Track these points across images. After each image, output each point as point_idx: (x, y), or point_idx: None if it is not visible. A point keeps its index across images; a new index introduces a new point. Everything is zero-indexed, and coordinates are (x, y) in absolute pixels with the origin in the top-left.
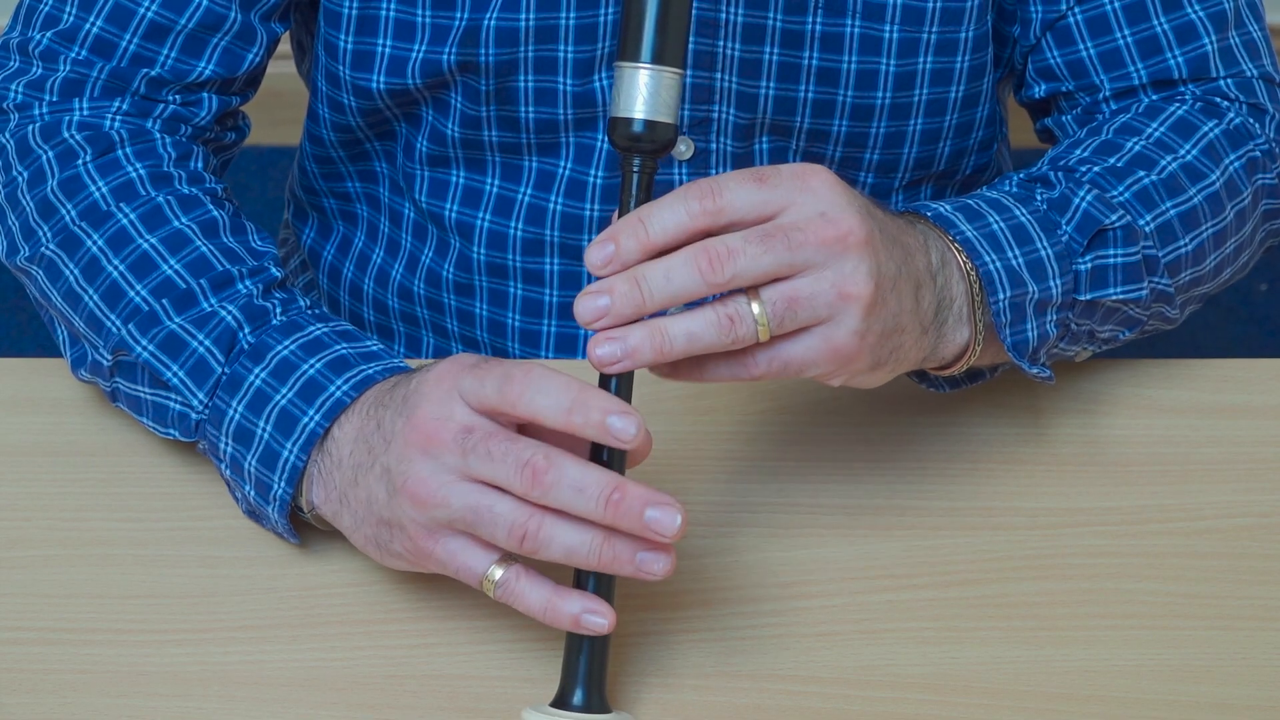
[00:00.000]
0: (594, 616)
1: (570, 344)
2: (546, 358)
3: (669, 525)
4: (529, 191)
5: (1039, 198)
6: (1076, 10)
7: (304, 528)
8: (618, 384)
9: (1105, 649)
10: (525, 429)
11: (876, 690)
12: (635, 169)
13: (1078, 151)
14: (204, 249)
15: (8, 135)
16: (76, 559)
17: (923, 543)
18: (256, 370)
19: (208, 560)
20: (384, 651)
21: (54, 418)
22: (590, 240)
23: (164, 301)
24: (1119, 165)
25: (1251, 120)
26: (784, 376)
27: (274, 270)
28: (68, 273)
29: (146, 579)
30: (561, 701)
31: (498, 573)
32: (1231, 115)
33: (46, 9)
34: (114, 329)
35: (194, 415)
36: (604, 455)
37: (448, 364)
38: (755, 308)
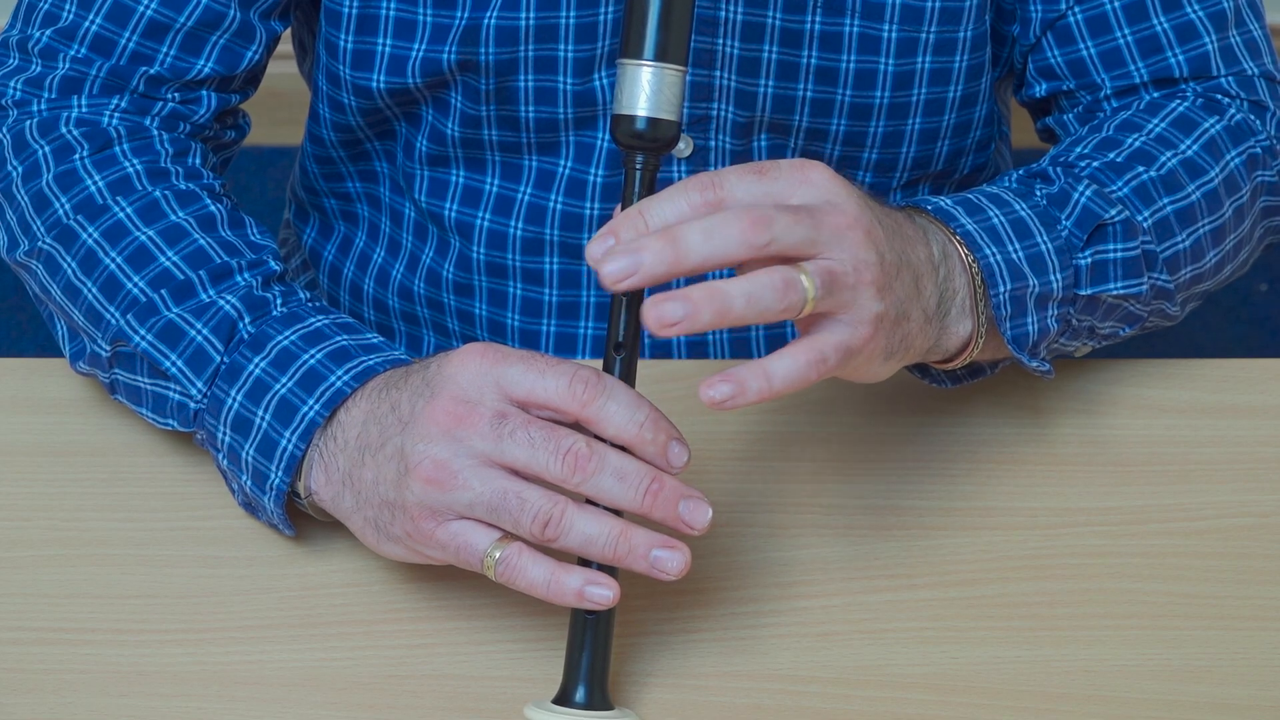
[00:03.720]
0: (598, 589)
1: (570, 343)
2: None
3: (700, 517)
4: (529, 191)
5: (1038, 193)
6: (1076, 10)
7: (300, 519)
8: (621, 374)
9: (1105, 649)
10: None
11: (876, 690)
12: (638, 166)
13: (1078, 148)
14: (202, 242)
15: (4, 131)
16: (76, 559)
17: (923, 543)
18: (256, 360)
19: (208, 560)
20: (384, 651)
21: (54, 418)
22: (590, 238)
23: (162, 292)
24: (1118, 161)
25: (1252, 117)
26: (839, 369)
27: (273, 264)
28: (65, 266)
29: (146, 579)
30: (564, 699)
31: (499, 551)
32: (1233, 111)
33: (46, 7)
34: (112, 320)
35: (192, 405)
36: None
37: (476, 350)
38: (804, 279)
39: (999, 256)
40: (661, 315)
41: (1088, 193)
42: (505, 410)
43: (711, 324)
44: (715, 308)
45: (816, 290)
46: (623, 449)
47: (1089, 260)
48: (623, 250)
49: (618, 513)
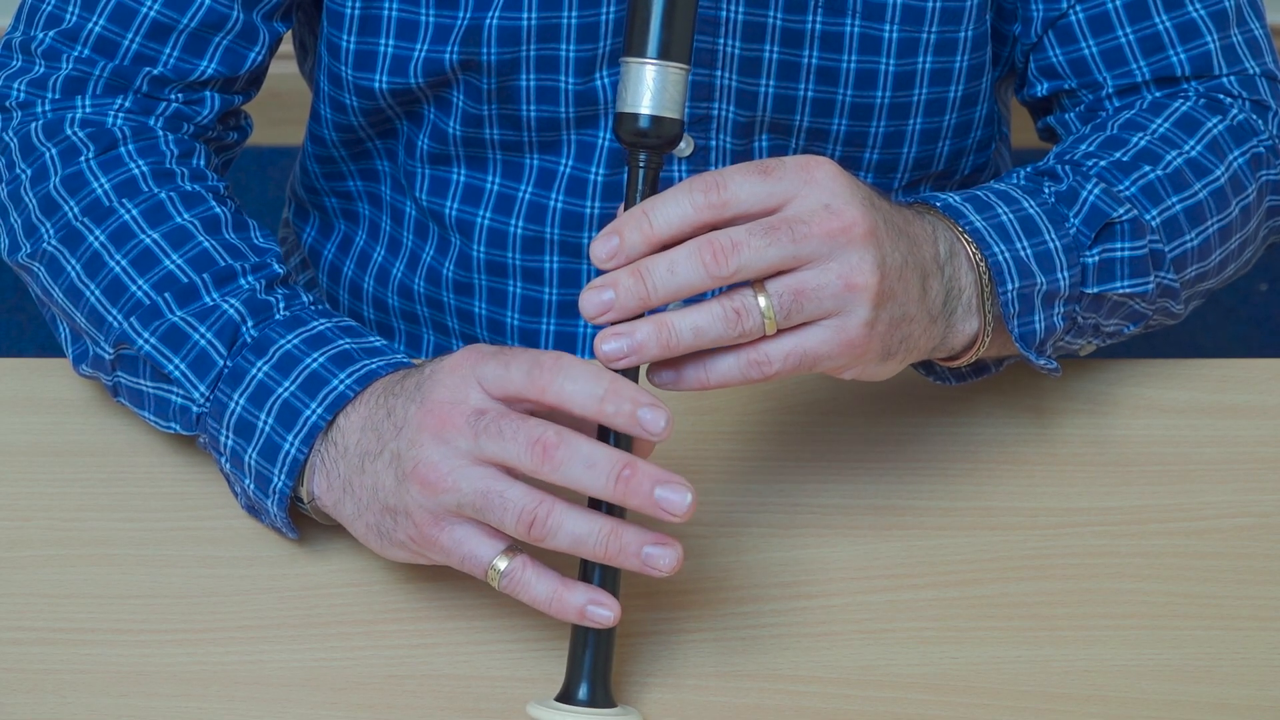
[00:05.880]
0: (599, 609)
1: (570, 342)
2: None
3: (679, 503)
4: (529, 189)
5: (1047, 190)
6: (1078, 8)
7: (302, 522)
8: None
9: (1105, 649)
10: (548, 417)
11: (876, 690)
12: (641, 164)
13: (1083, 146)
14: (206, 244)
15: (10, 133)
16: (76, 559)
17: (923, 543)
18: (259, 363)
19: (208, 560)
20: (384, 651)
21: (54, 418)
22: (591, 237)
23: (166, 295)
24: (1125, 160)
25: (1255, 116)
26: (798, 372)
27: (276, 266)
28: (69, 269)
29: (146, 579)
30: (567, 696)
31: (503, 563)
32: (1235, 111)
33: (49, 9)
34: (115, 323)
35: (195, 408)
36: (610, 440)
37: (464, 352)
38: (761, 301)
39: (1007, 254)
40: (607, 353)
41: (1096, 191)
42: (484, 407)
43: (660, 356)
44: (661, 342)
45: (777, 312)
46: (616, 438)
47: (1096, 259)
48: (599, 285)
49: (621, 513)
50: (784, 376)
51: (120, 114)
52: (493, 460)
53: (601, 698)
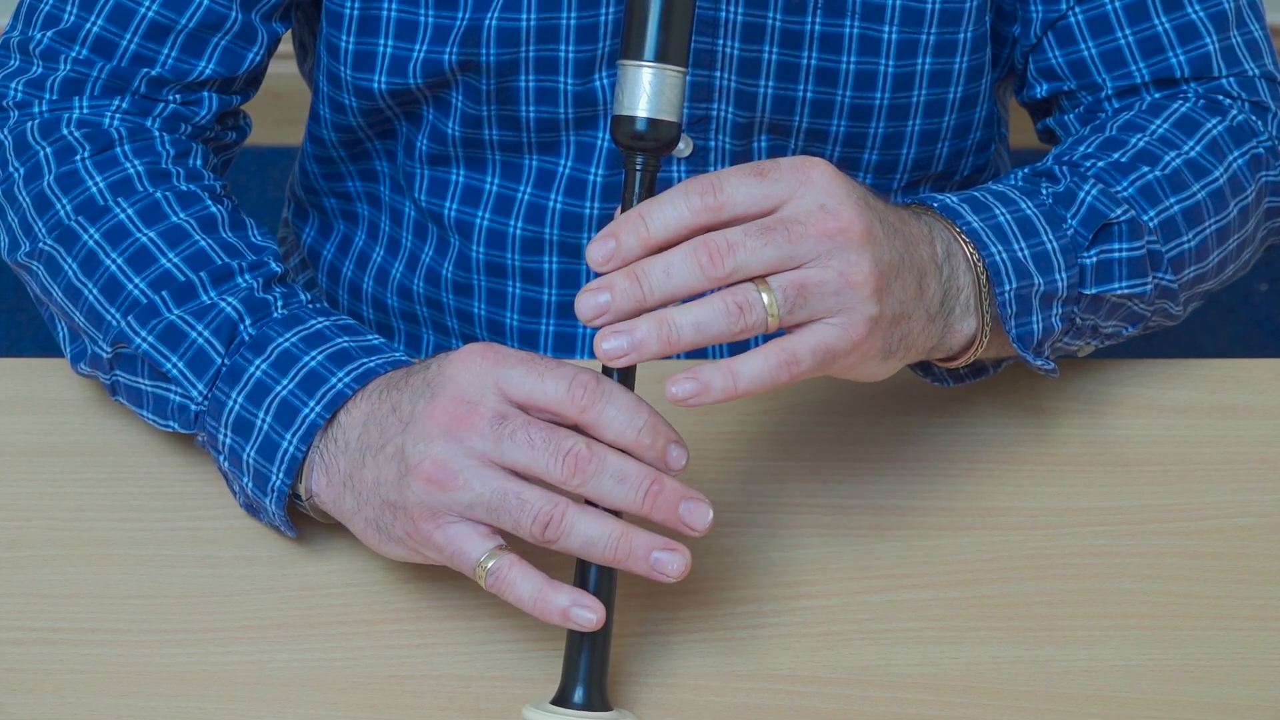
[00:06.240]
0: (583, 611)
1: (569, 343)
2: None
3: (701, 519)
4: (529, 190)
5: (1044, 191)
6: (1077, 10)
7: (301, 521)
8: (620, 379)
9: (1105, 649)
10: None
11: (876, 690)
12: (638, 167)
13: (1082, 147)
14: (203, 243)
15: (6, 132)
16: (76, 559)
17: (923, 543)
18: (257, 362)
19: (208, 560)
20: (384, 651)
21: (54, 418)
22: (590, 238)
23: (163, 293)
24: (1123, 161)
25: (1254, 118)
26: (818, 372)
27: (274, 265)
28: (66, 267)
29: (146, 579)
30: (562, 699)
31: (491, 561)
32: (1234, 112)
33: (47, 8)
34: (113, 321)
35: (193, 407)
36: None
37: (477, 351)
38: (764, 296)
39: (1004, 255)
40: (607, 351)
41: (1094, 192)
42: (505, 411)
43: (661, 353)
44: (663, 337)
45: (780, 307)
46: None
47: (1094, 260)
48: (595, 288)
49: (618, 513)
50: (807, 376)
51: (117, 115)
52: (513, 466)
53: (597, 701)
